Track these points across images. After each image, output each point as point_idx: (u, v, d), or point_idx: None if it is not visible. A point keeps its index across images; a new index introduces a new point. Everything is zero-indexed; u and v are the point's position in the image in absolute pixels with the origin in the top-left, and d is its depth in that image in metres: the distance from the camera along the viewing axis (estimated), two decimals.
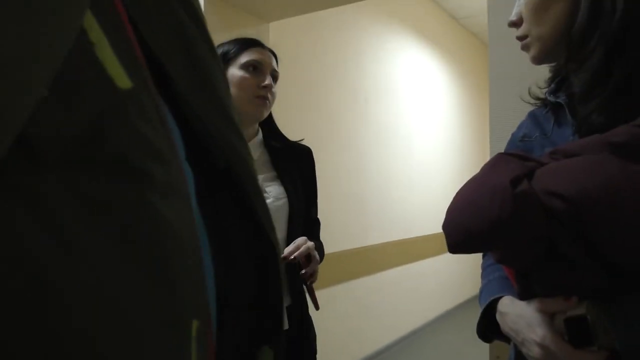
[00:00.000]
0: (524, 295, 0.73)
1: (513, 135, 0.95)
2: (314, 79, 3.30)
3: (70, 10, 0.21)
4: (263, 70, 1.32)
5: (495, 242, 0.67)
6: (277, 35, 2.86)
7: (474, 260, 6.56)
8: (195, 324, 0.26)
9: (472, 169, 6.35)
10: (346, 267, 3.52)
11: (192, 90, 0.32)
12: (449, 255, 5.57)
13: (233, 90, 1.29)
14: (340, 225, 3.43)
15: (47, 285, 0.19)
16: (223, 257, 0.33)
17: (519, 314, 0.73)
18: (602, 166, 0.60)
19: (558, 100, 0.82)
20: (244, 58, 1.31)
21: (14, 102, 0.18)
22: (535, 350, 0.68)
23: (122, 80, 0.24)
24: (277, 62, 1.40)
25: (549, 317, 0.68)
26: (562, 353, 0.64)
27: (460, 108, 5.86)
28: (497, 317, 0.79)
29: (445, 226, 0.71)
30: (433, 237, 4.75)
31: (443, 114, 5.39)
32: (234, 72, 1.30)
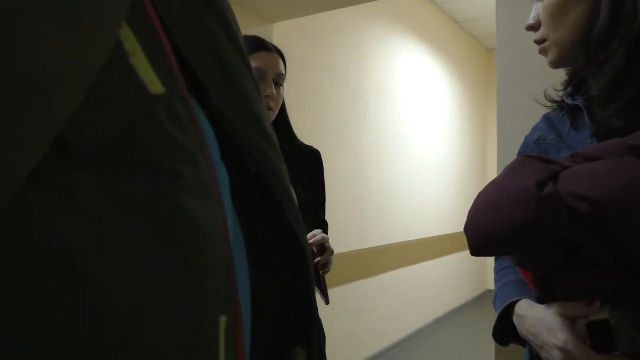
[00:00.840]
0: (543, 298, 0.73)
1: (527, 138, 0.94)
2: (316, 81, 3.31)
3: (109, 25, 0.23)
4: (266, 79, 1.31)
5: (519, 245, 0.66)
6: (280, 36, 2.86)
7: (473, 264, 6.59)
8: (223, 320, 0.27)
9: (472, 173, 6.37)
10: (346, 269, 3.52)
11: (224, 99, 0.33)
12: (448, 258, 5.58)
13: None
14: (340, 228, 3.43)
15: (84, 275, 0.21)
16: (257, 259, 0.34)
17: (539, 318, 0.72)
18: (626, 169, 0.60)
19: (576, 103, 0.81)
20: None
21: (51, 109, 0.20)
22: (556, 355, 0.68)
23: (155, 86, 0.25)
24: (284, 62, 1.37)
25: (571, 321, 0.68)
26: (584, 357, 0.64)
27: (460, 111, 5.87)
28: (515, 320, 0.78)
29: (466, 228, 0.71)
30: (433, 239, 4.75)
31: (443, 117, 5.40)
32: None
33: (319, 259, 1.26)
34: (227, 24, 0.36)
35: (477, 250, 0.70)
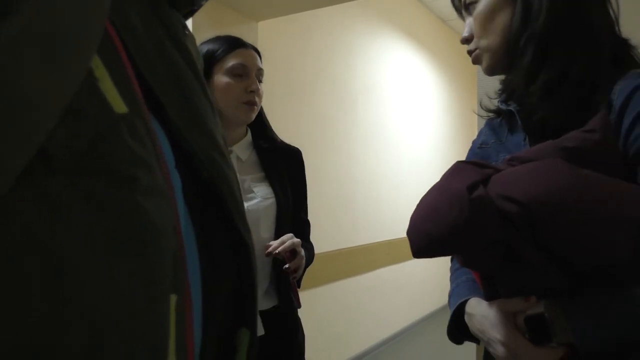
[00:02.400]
0: (489, 296, 0.76)
1: (473, 142, 0.99)
2: (302, 79, 3.30)
3: (82, 58, 0.28)
4: (249, 74, 1.32)
5: (455, 246, 0.70)
6: (265, 34, 2.84)
7: None
8: (174, 298, 0.32)
9: None
10: (334, 267, 3.52)
11: (180, 116, 0.39)
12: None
13: (220, 96, 1.30)
14: (328, 226, 3.43)
15: (59, 261, 0.25)
16: (206, 250, 0.40)
17: (484, 315, 0.75)
18: (552, 170, 0.63)
19: (509, 108, 0.85)
20: (229, 62, 1.31)
21: (38, 127, 0.25)
22: (499, 349, 0.71)
23: (119, 106, 0.31)
24: (260, 59, 1.39)
25: (512, 316, 0.71)
26: (522, 350, 0.67)
27: (448, 109, 5.90)
28: (465, 318, 0.82)
29: (408, 232, 0.74)
30: None
31: (431, 114, 5.42)
32: (220, 78, 1.30)
33: (287, 265, 1.25)
34: (185, 50, 0.42)
35: (419, 252, 0.73)
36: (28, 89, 0.24)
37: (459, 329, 0.85)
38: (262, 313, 1.28)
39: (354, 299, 3.80)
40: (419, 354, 4.12)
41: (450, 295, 0.91)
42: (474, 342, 0.83)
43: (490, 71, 0.87)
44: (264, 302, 1.31)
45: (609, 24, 0.77)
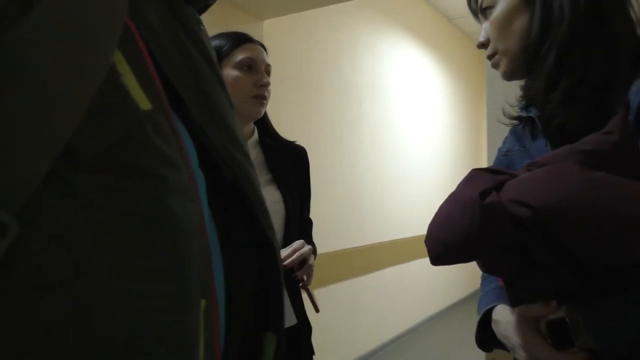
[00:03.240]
0: (513, 302, 0.76)
1: (499, 150, 0.98)
2: (308, 78, 3.29)
3: (104, 51, 0.28)
4: (258, 68, 1.31)
5: (470, 252, 0.70)
6: (270, 33, 2.84)
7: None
8: (203, 303, 0.31)
9: (465, 169, 6.37)
10: (340, 266, 3.51)
11: (202, 113, 0.38)
12: None
13: (230, 90, 1.28)
14: (333, 225, 3.42)
15: (80, 261, 0.24)
16: (230, 252, 0.39)
17: (507, 321, 0.76)
18: (564, 173, 0.63)
19: (529, 114, 0.85)
20: (237, 56, 1.29)
21: (63, 124, 0.24)
22: (521, 354, 0.72)
23: (144, 102, 0.30)
24: (267, 55, 1.38)
25: (534, 321, 0.71)
26: (544, 355, 0.67)
27: (453, 108, 5.87)
28: (492, 325, 0.82)
29: (426, 241, 0.75)
30: None
31: (437, 113, 5.40)
32: (229, 72, 1.29)
33: (296, 273, 1.24)
34: (203, 46, 0.41)
35: (436, 259, 0.73)
36: (51, 84, 0.24)
37: (487, 336, 0.85)
38: None
39: (359, 299, 3.79)
40: (424, 354, 4.11)
41: (479, 303, 0.91)
42: (504, 349, 0.83)
43: (508, 76, 0.86)
44: None
45: (630, 27, 0.76)
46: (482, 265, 0.75)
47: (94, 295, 0.24)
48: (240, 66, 1.29)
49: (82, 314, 0.24)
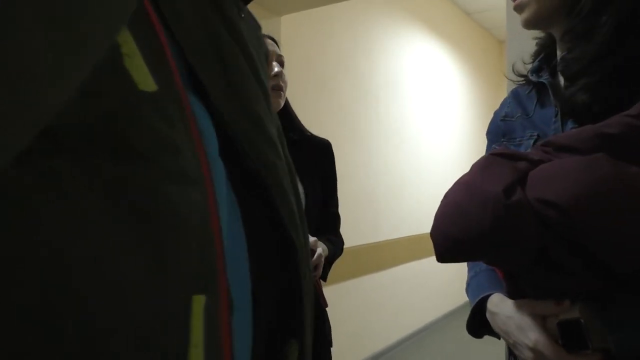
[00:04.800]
0: (513, 294, 0.72)
1: (495, 113, 0.91)
2: (325, 73, 3.29)
3: (103, 31, 0.25)
4: (269, 60, 1.31)
5: (486, 253, 0.65)
6: (288, 28, 2.84)
7: None
8: (198, 299, 0.28)
9: None
10: (357, 263, 3.51)
11: (223, 100, 0.36)
12: None
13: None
14: (350, 221, 3.42)
15: (59, 251, 0.23)
16: (255, 250, 0.36)
17: (509, 315, 0.71)
18: (594, 169, 0.58)
19: (540, 79, 0.78)
20: None
21: (46, 103, 0.22)
22: (527, 354, 0.67)
23: (148, 84, 0.28)
24: (278, 46, 1.39)
25: (541, 320, 0.66)
26: (555, 357, 0.63)
27: (472, 104, 5.81)
28: (488, 316, 0.77)
29: (432, 234, 0.68)
30: None
31: (454, 109, 5.35)
32: None
33: None
34: (237, 32, 0.39)
35: (444, 255, 0.67)
36: (34, 59, 0.22)
37: (479, 323, 0.81)
38: None
39: (373, 296, 3.79)
40: (439, 352, 4.09)
41: (468, 284, 0.87)
42: (496, 337, 0.80)
43: (529, 25, 0.78)
44: None
45: None
46: (486, 259, 0.70)
47: (63, 282, 0.23)
48: None
49: (50, 302, 0.22)
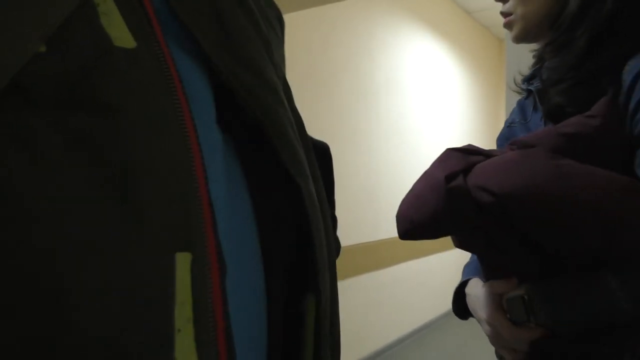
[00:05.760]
0: (486, 277, 0.79)
1: (505, 121, 1.00)
2: (325, 72, 3.29)
3: None
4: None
5: (435, 231, 0.74)
6: (288, 28, 2.83)
7: None
8: (183, 257, 0.27)
9: None
10: (356, 261, 3.52)
11: (215, 47, 0.34)
12: (458, 250, 5.53)
13: None
14: (350, 220, 3.43)
15: (17, 197, 0.22)
16: (262, 202, 0.36)
17: (477, 295, 0.80)
18: (530, 161, 0.65)
19: (530, 87, 0.86)
20: None
21: (10, 53, 0.22)
22: (485, 328, 0.77)
23: (126, 40, 0.28)
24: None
25: (498, 297, 0.74)
26: (503, 329, 0.72)
27: (472, 102, 5.81)
28: (466, 298, 0.87)
29: (396, 216, 0.79)
30: None
31: (455, 107, 5.35)
32: None
33: None
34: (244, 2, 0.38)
35: (404, 234, 0.78)
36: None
37: (463, 306, 0.89)
38: None
39: (376, 293, 3.79)
40: (440, 350, 4.10)
41: (463, 271, 0.96)
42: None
43: (518, 40, 0.87)
44: None
45: None
46: (455, 242, 0.79)
47: (33, 237, 0.22)
48: None
49: (19, 254, 0.22)
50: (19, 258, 0.22)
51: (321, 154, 1.46)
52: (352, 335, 3.47)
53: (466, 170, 0.69)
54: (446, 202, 0.68)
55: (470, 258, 0.97)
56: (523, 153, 0.67)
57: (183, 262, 0.27)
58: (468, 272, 0.91)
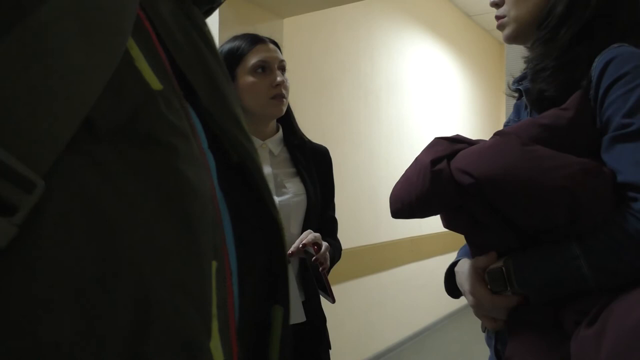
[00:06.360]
0: (472, 255, 0.87)
1: (504, 123, 1.10)
2: (327, 75, 3.30)
3: (120, 35, 0.31)
4: (271, 68, 1.33)
5: (422, 210, 0.82)
6: (291, 31, 2.86)
7: None
8: (214, 264, 0.33)
9: None
10: (358, 263, 3.52)
11: (210, 101, 0.41)
12: None
13: (247, 96, 1.31)
14: (351, 222, 3.43)
15: (103, 216, 0.27)
16: (239, 227, 0.42)
17: (463, 271, 0.88)
18: (505, 146, 0.73)
19: (519, 87, 0.93)
20: (250, 61, 1.32)
21: (83, 99, 0.27)
22: (468, 298, 0.86)
23: (155, 83, 0.33)
24: (280, 51, 1.40)
25: (482, 272, 0.82)
26: (483, 298, 0.81)
27: (473, 105, 5.83)
28: (455, 276, 0.95)
29: (390, 197, 0.88)
30: (444, 234, 4.73)
31: (455, 110, 5.36)
32: (244, 79, 1.31)
33: (315, 256, 1.25)
34: (209, 41, 0.45)
35: (396, 213, 0.87)
36: (73, 60, 0.26)
37: (453, 285, 0.97)
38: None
39: (376, 296, 3.80)
40: (441, 352, 4.10)
41: (458, 252, 1.03)
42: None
43: (509, 40, 0.94)
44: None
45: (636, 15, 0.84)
46: (443, 221, 0.87)
47: (115, 249, 0.26)
48: (253, 70, 1.31)
49: (105, 264, 0.26)
50: (112, 266, 0.27)
51: (321, 157, 1.47)
52: (354, 337, 3.48)
53: (450, 156, 0.78)
54: (431, 184, 0.76)
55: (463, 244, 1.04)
56: (499, 140, 0.75)
57: (213, 269, 0.33)
58: (459, 254, 0.99)
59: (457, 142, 0.81)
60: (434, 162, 0.77)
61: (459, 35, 5.40)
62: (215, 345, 0.32)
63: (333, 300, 1.33)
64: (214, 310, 0.32)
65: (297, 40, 2.98)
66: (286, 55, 2.64)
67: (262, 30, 1.45)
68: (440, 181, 0.76)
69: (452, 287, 0.98)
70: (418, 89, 4.52)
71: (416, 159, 0.83)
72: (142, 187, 0.29)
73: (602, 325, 0.66)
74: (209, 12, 0.51)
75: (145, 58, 0.33)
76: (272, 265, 0.45)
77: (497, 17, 0.94)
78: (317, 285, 1.32)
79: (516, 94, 1.00)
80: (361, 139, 3.65)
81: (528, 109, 0.92)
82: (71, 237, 0.25)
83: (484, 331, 0.93)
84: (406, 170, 0.85)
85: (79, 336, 0.24)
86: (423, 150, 0.84)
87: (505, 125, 1.03)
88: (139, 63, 0.32)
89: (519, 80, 0.94)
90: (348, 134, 3.49)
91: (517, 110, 1.01)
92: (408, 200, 0.81)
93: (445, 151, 0.79)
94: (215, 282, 0.33)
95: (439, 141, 0.83)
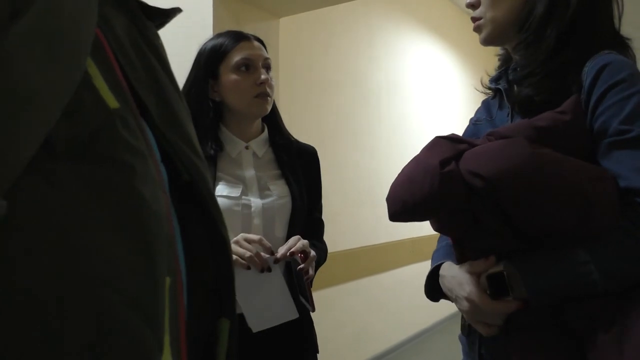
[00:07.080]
0: (460, 259, 0.85)
1: (470, 119, 1.08)
2: (325, 75, 3.28)
3: (81, 56, 0.32)
4: (255, 66, 1.29)
5: (426, 213, 0.81)
6: (287, 31, 2.84)
7: None
8: (168, 280, 0.35)
9: None
10: (357, 264, 3.51)
11: (161, 119, 0.42)
12: None
13: (231, 94, 1.28)
14: (351, 223, 3.42)
15: (60, 234, 0.28)
16: (188, 243, 0.43)
17: (453, 276, 0.86)
18: (514, 149, 0.72)
19: (498, 86, 0.93)
20: (233, 58, 1.28)
21: (43, 121, 0.28)
22: (464, 304, 0.82)
23: (112, 102, 0.34)
24: (265, 48, 1.36)
25: (477, 276, 0.80)
26: (483, 304, 0.78)
27: (472, 104, 5.80)
28: (440, 280, 0.92)
29: (387, 198, 0.84)
30: None
31: (456, 110, 5.34)
32: (227, 77, 1.28)
33: (302, 265, 1.22)
34: (162, 57, 0.46)
35: (395, 216, 0.84)
36: (35, 85, 0.27)
37: (434, 288, 0.95)
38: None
39: (376, 297, 3.78)
40: (441, 354, 4.08)
41: (432, 256, 1.02)
42: (448, 299, 0.93)
43: (487, 42, 0.94)
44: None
45: (611, 14, 0.86)
46: (434, 224, 0.85)
47: (72, 266, 0.28)
48: (237, 68, 1.28)
49: (62, 282, 0.27)
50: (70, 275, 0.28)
51: (309, 158, 1.43)
52: (353, 338, 3.46)
53: (457, 157, 0.76)
54: (439, 186, 0.74)
55: (438, 245, 1.05)
56: (508, 142, 0.74)
57: (167, 283, 0.35)
58: (438, 257, 0.97)
59: (458, 142, 0.80)
60: (443, 163, 0.75)
61: (459, 34, 5.38)
62: (167, 358, 0.33)
63: (313, 309, 1.30)
64: (166, 325, 0.34)
65: (294, 40, 2.96)
66: (283, 55, 2.62)
67: (258, 31, 1.42)
68: (450, 183, 0.74)
69: (432, 291, 0.97)
70: (418, 89, 4.50)
71: (417, 158, 0.81)
72: (99, 205, 0.30)
73: (621, 330, 0.67)
74: (160, 26, 0.52)
75: (103, 75, 0.34)
76: (218, 279, 0.47)
77: (474, 19, 0.94)
78: (298, 291, 1.29)
79: (489, 92, 1.00)
80: (361, 138, 3.63)
81: (508, 110, 0.91)
82: (29, 254, 0.26)
83: (466, 335, 0.93)
84: (404, 170, 0.82)
85: (38, 353, 0.25)
86: (423, 150, 0.82)
87: (472, 123, 1.04)
88: (97, 81, 0.33)
89: (496, 80, 0.95)
90: (347, 134, 3.47)
91: (487, 108, 1.01)
92: (411, 201, 0.78)
93: (451, 152, 0.77)
94: (168, 297, 0.34)
95: (440, 141, 0.81)
